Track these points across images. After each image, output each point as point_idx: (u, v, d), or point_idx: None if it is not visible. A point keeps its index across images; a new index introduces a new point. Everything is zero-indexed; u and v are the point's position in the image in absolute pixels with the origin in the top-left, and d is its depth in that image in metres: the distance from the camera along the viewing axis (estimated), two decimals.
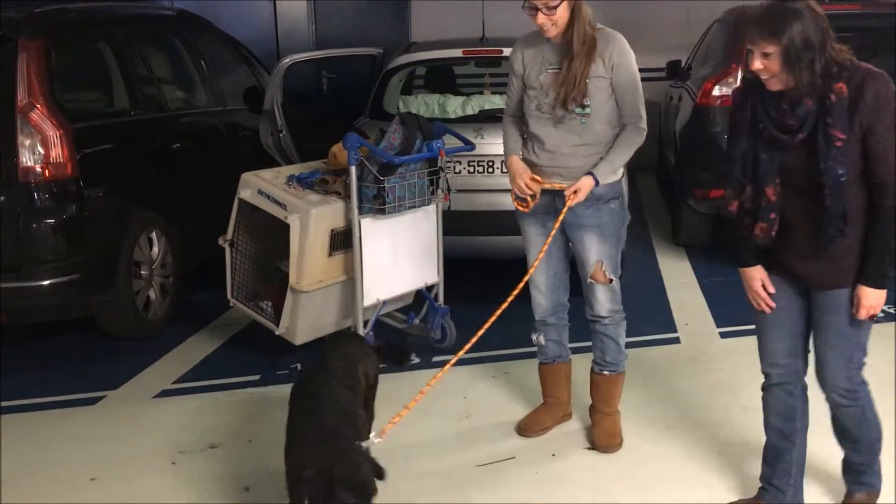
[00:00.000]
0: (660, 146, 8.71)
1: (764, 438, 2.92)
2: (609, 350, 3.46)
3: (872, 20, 6.08)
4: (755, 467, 3.13)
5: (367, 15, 10.03)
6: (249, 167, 4.47)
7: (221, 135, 6.01)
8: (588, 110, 3.17)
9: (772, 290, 2.69)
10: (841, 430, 2.81)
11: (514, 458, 3.44)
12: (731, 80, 5.81)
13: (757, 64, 2.42)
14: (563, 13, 3.06)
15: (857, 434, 2.78)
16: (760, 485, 2.94)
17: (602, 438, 3.49)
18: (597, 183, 3.19)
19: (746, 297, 2.77)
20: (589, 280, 3.35)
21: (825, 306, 2.62)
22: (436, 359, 4.45)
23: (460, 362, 4.38)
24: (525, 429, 3.62)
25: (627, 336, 4.33)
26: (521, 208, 3.34)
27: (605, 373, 3.47)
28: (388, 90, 5.65)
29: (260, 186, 4.19)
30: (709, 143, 5.83)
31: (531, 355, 3.82)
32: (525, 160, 3.37)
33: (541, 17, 3.06)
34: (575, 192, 3.17)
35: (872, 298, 2.53)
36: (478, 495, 3.19)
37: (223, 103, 6.13)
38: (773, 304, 2.69)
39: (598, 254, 3.32)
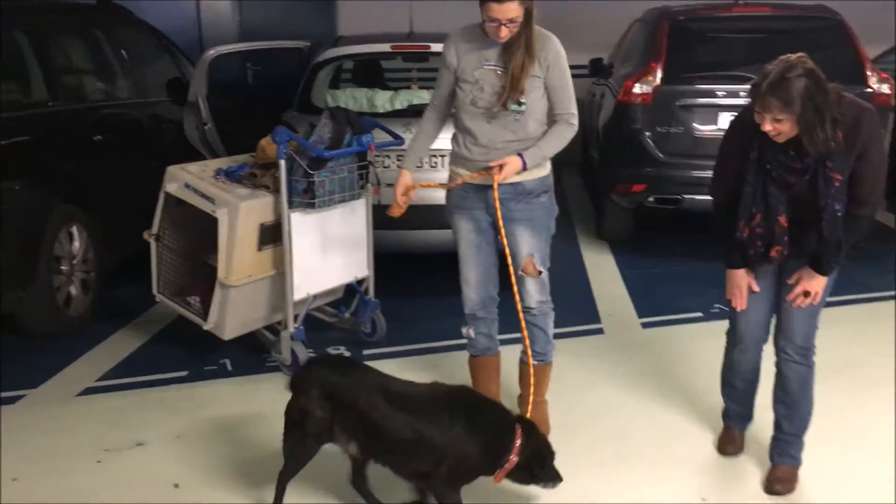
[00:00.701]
0: (583, 142, 8.88)
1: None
2: (538, 340, 3.54)
3: (782, 22, 6.37)
4: (677, 450, 3.27)
5: (294, 8, 9.92)
6: (173, 160, 4.40)
7: (144, 127, 5.89)
8: (523, 108, 3.26)
9: (756, 289, 3.06)
10: (783, 394, 3.14)
11: None
12: (650, 78, 6.00)
13: (767, 126, 2.72)
14: (520, 21, 3.15)
15: (796, 397, 3.10)
16: (729, 416, 3.44)
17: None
18: (524, 166, 3.26)
19: (727, 293, 3.13)
20: (520, 272, 3.43)
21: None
22: (367, 352, 4.48)
23: (391, 355, 4.46)
24: None
25: (556, 327, 4.43)
26: (392, 214, 3.46)
27: (535, 363, 3.56)
28: (315, 84, 5.64)
29: (187, 180, 4.14)
30: (631, 140, 6.00)
31: (461, 348, 3.88)
32: (455, 155, 3.44)
33: (503, 31, 3.14)
34: (500, 167, 3.22)
35: (815, 283, 2.93)
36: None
37: (146, 95, 6.00)
38: (746, 305, 3.09)
39: (529, 247, 3.41)
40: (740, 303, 3.10)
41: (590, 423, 3.70)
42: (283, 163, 3.97)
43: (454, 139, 3.45)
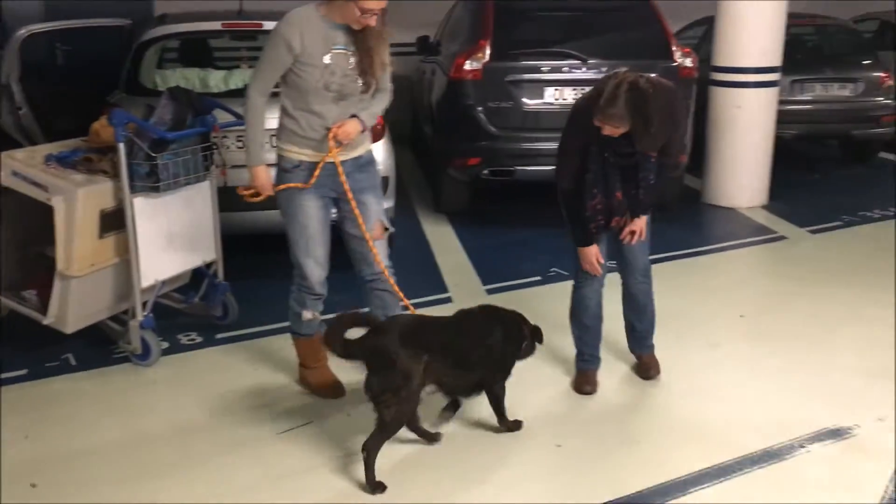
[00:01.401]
0: (414, 118, 9.08)
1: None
2: (390, 304, 3.69)
3: (598, 2, 6.76)
4: (531, 404, 3.51)
5: None
6: None
7: None
8: (371, 89, 3.46)
9: (602, 261, 3.68)
10: (633, 306, 3.88)
11: (311, 422, 3.56)
12: (480, 55, 6.23)
13: (607, 131, 3.33)
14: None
15: (643, 304, 3.85)
16: (583, 359, 3.89)
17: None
18: (363, 126, 3.48)
19: (583, 266, 3.69)
20: (373, 237, 3.57)
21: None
22: (219, 335, 4.43)
23: (246, 337, 4.43)
24: (327, 392, 3.76)
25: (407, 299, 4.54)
26: (254, 199, 3.57)
27: None
28: (143, 64, 5.41)
29: (14, 167, 3.88)
30: (464, 115, 6.22)
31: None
32: (296, 135, 3.45)
33: (374, 20, 3.31)
34: (341, 128, 3.38)
35: (639, 223, 3.65)
36: (278, 461, 3.27)
37: None
38: (601, 272, 3.71)
39: (377, 212, 3.61)
40: (597, 270, 3.68)
41: None
42: (121, 146, 3.82)
43: (292, 121, 3.44)
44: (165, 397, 3.82)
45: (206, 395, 3.81)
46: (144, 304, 4.06)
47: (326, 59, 3.34)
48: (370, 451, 3.04)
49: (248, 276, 5.05)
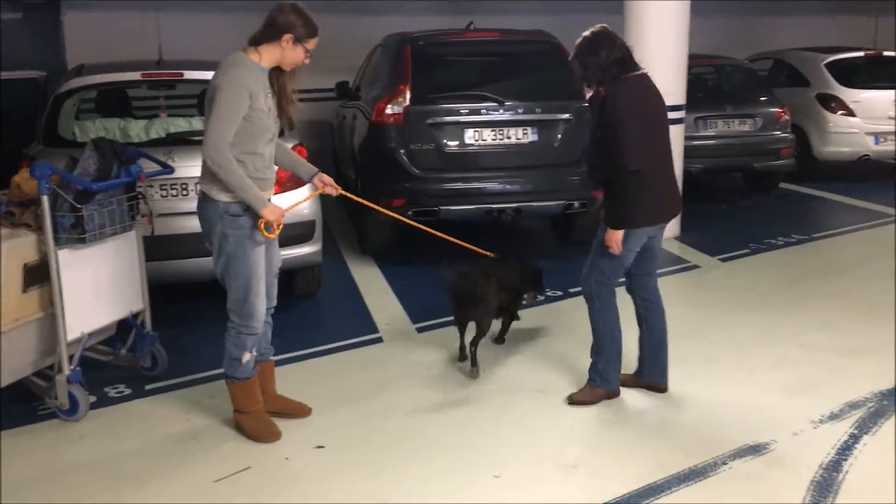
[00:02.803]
0: (335, 162, 9.15)
1: None
2: (271, 334, 3.94)
3: (509, 46, 7.06)
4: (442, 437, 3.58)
5: (13, 31, 9.20)
6: None
7: None
8: (283, 126, 3.76)
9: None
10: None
11: (249, 468, 3.55)
12: (400, 99, 6.39)
13: None
14: None
15: (592, 331, 3.99)
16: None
17: (299, 407, 3.98)
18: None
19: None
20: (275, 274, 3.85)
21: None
22: (149, 387, 4.37)
23: (177, 387, 4.39)
24: (264, 436, 3.77)
25: (334, 342, 4.68)
26: (271, 237, 3.62)
27: (273, 357, 4.01)
28: (61, 115, 5.36)
29: None
30: (387, 158, 6.34)
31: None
32: (251, 178, 3.51)
33: (308, 59, 3.55)
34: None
35: (608, 236, 3.76)
36: None
37: None
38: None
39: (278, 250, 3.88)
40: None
41: (382, 426, 3.92)
42: (45, 198, 3.78)
43: (241, 164, 3.46)
44: (96, 452, 3.74)
45: (138, 446, 3.76)
46: (71, 358, 3.99)
47: (267, 104, 3.52)
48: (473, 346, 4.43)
49: (177, 325, 5.01)
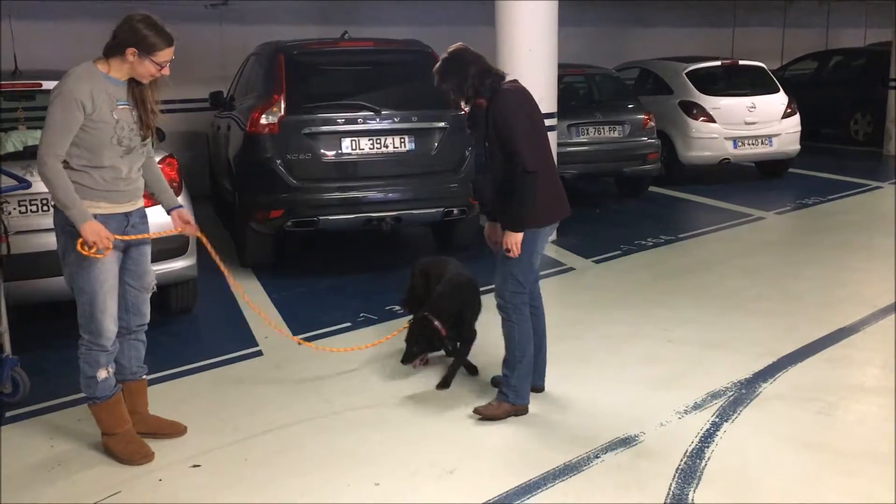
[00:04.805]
0: (211, 174, 8.94)
1: None
2: (142, 353, 3.85)
3: (383, 55, 7.09)
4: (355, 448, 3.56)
5: None
6: None
7: None
8: (148, 139, 3.59)
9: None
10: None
11: (119, 492, 3.42)
12: (275, 109, 6.31)
13: None
14: None
15: (505, 344, 3.94)
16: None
17: (173, 427, 3.86)
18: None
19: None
20: (152, 289, 3.78)
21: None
22: (10, 413, 4.14)
23: (39, 412, 4.18)
24: (136, 458, 3.64)
25: (212, 357, 4.56)
26: (93, 255, 3.40)
27: (145, 376, 3.90)
28: None
29: None
30: (263, 168, 6.25)
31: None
32: (93, 190, 3.43)
33: (166, 70, 3.43)
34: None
35: (507, 238, 3.81)
36: None
37: None
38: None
39: (150, 264, 3.76)
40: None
41: (263, 439, 3.86)
42: None
43: (85, 176, 3.40)
44: None
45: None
46: None
47: (115, 115, 3.40)
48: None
49: (39, 347, 4.77)
